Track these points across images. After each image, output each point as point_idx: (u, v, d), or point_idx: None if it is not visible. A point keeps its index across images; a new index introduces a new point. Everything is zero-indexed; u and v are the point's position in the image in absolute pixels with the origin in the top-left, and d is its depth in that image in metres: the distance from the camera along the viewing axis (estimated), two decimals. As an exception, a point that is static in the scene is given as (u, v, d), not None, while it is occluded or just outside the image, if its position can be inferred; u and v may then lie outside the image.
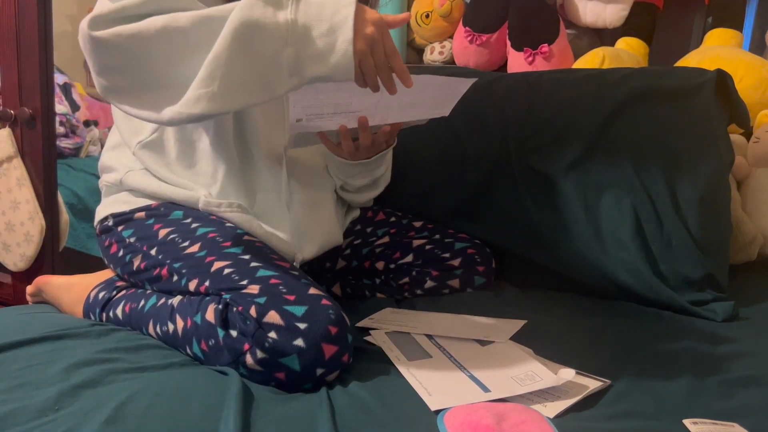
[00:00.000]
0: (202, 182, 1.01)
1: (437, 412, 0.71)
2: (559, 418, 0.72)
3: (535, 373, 0.80)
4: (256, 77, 0.75)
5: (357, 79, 0.76)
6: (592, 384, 0.78)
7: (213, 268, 0.87)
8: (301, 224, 1.05)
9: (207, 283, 0.86)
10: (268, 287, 0.81)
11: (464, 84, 0.90)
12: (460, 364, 0.84)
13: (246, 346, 0.78)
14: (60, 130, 2.32)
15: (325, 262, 1.18)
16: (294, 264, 0.99)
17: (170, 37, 0.76)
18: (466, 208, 1.29)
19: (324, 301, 0.81)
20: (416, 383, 0.79)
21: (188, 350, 0.86)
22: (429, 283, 1.13)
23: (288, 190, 1.04)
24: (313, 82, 0.76)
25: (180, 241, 0.94)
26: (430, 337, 0.93)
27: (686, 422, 0.70)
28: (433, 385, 0.78)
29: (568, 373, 0.78)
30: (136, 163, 1.03)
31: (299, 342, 0.76)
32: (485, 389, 0.77)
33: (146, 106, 0.80)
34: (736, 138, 1.40)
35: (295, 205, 1.05)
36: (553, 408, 0.73)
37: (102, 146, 2.52)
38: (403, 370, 0.83)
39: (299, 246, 1.05)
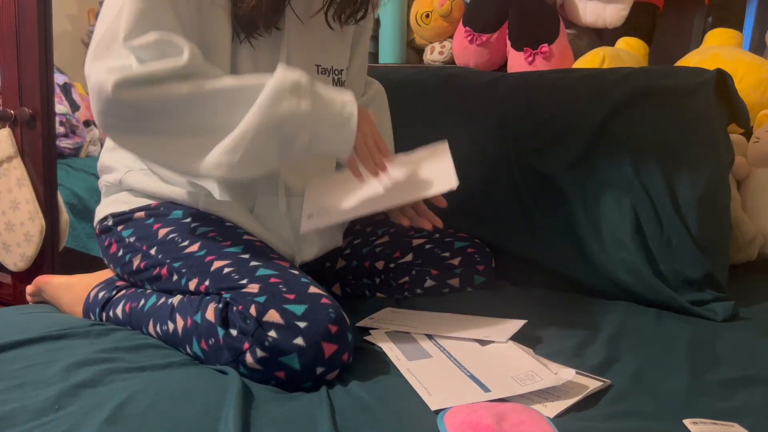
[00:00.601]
0: (202, 183, 1.01)
1: (437, 412, 0.71)
2: (559, 418, 0.72)
3: (535, 372, 0.80)
4: (274, 153, 0.85)
5: (350, 161, 0.90)
6: (592, 384, 0.78)
7: (213, 268, 0.87)
8: (299, 224, 1.05)
9: (207, 283, 0.86)
10: (268, 286, 0.81)
11: (443, 147, 0.98)
12: (460, 363, 0.84)
13: (246, 345, 0.78)
14: (60, 130, 2.32)
15: (325, 262, 1.18)
16: (294, 263, 0.99)
17: (198, 106, 0.83)
18: (466, 208, 1.29)
19: (324, 300, 0.81)
20: (416, 383, 0.79)
21: (188, 349, 0.86)
22: (429, 282, 1.13)
23: (285, 193, 1.04)
24: (315, 153, 0.88)
25: (180, 240, 0.94)
26: (430, 336, 0.93)
27: (686, 422, 0.70)
28: (433, 384, 0.78)
29: (568, 373, 0.78)
30: (135, 163, 1.03)
31: (299, 341, 0.77)
32: (485, 389, 0.77)
33: (154, 151, 0.87)
34: (736, 138, 1.40)
35: (294, 209, 1.05)
36: (553, 408, 0.73)
37: (102, 146, 2.52)
38: (403, 369, 0.83)
39: (298, 248, 1.05)
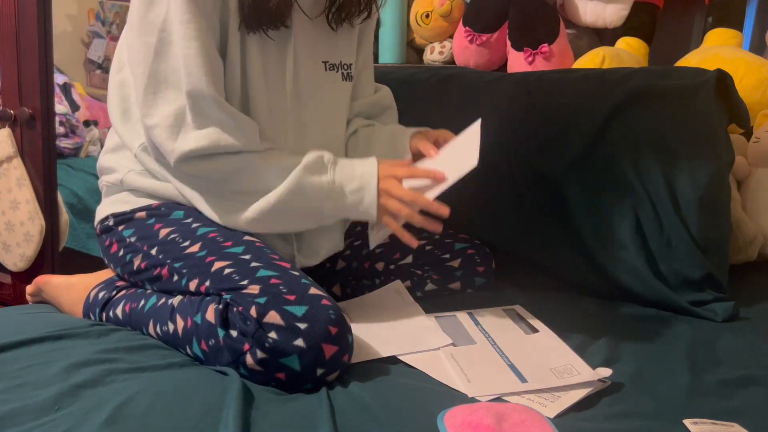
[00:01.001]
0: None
1: (439, 410, 0.71)
2: (559, 418, 0.72)
3: (573, 366, 0.81)
4: (299, 219, 0.97)
5: (383, 219, 0.95)
6: (593, 384, 0.78)
7: (213, 268, 0.87)
8: (307, 236, 1.05)
9: (207, 283, 0.86)
10: (269, 287, 0.81)
11: (475, 128, 0.97)
12: (502, 352, 0.87)
13: (246, 346, 0.78)
14: (60, 130, 2.32)
15: (325, 263, 1.18)
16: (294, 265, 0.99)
17: (246, 179, 0.94)
18: (466, 208, 1.29)
19: (324, 302, 0.81)
20: (457, 369, 0.82)
21: (188, 350, 0.86)
22: (429, 286, 1.13)
23: None
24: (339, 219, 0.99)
25: (180, 240, 0.94)
26: (475, 321, 0.98)
27: (686, 422, 0.70)
28: (473, 372, 0.81)
29: (605, 371, 0.80)
30: (136, 164, 1.03)
31: (299, 342, 0.76)
32: (523, 379, 0.79)
33: (198, 202, 0.98)
34: (736, 138, 1.40)
35: None
36: (553, 408, 0.73)
37: (102, 146, 2.52)
38: (447, 355, 0.85)
39: (301, 253, 1.05)
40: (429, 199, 0.92)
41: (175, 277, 0.91)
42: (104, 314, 1.01)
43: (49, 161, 1.76)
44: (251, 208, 0.93)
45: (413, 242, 0.94)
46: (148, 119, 0.90)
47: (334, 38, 1.06)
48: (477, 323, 0.97)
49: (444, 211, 0.92)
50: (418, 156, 1.05)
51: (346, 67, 1.09)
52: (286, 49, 0.98)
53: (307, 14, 0.99)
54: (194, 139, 0.89)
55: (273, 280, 0.83)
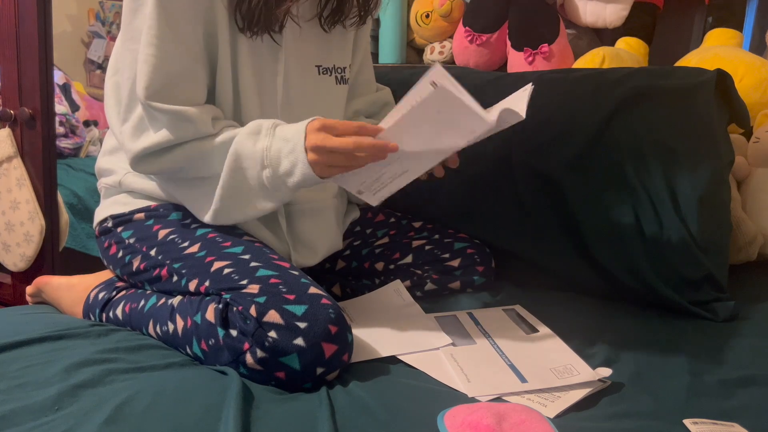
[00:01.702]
0: None
1: (439, 410, 0.71)
2: (559, 418, 0.72)
3: (573, 366, 0.82)
4: (249, 197, 0.91)
5: (327, 175, 0.86)
6: (593, 384, 0.78)
7: (213, 268, 0.87)
8: (302, 234, 1.05)
9: (207, 283, 0.86)
10: (268, 287, 0.81)
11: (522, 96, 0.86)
12: (503, 352, 0.87)
13: (246, 346, 0.78)
14: (60, 130, 2.32)
15: (325, 263, 1.18)
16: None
17: (199, 165, 0.93)
18: (465, 208, 1.29)
19: (324, 301, 0.81)
20: (457, 369, 0.82)
21: (188, 350, 0.86)
22: (429, 286, 1.13)
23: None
24: (297, 190, 0.90)
25: (180, 241, 0.94)
26: (475, 321, 0.97)
27: (686, 422, 0.70)
28: (473, 372, 0.81)
29: (605, 371, 0.80)
30: None
31: (299, 341, 0.77)
32: (523, 379, 0.80)
33: (174, 192, 1.00)
34: (736, 138, 1.40)
35: (295, 216, 1.05)
36: (553, 408, 0.73)
37: (102, 146, 2.52)
38: (447, 355, 0.85)
39: (295, 249, 1.05)
40: (369, 140, 0.81)
41: (175, 278, 0.91)
42: (104, 315, 1.01)
43: (49, 161, 1.76)
44: (214, 197, 0.92)
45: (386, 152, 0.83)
46: (125, 124, 0.93)
47: (328, 42, 1.06)
48: (477, 323, 0.97)
49: (392, 146, 0.81)
50: None
51: (340, 70, 1.08)
52: (277, 53, 0.98)
53: (299, 19, 0.99)
54: (149, 138, 0.91)
55: (272, 280, 0.83)
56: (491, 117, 0.79)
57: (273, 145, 0.88)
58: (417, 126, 0.81)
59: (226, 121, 0.95)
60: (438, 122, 0.80)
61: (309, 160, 0.85)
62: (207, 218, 0.95)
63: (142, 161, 0.93)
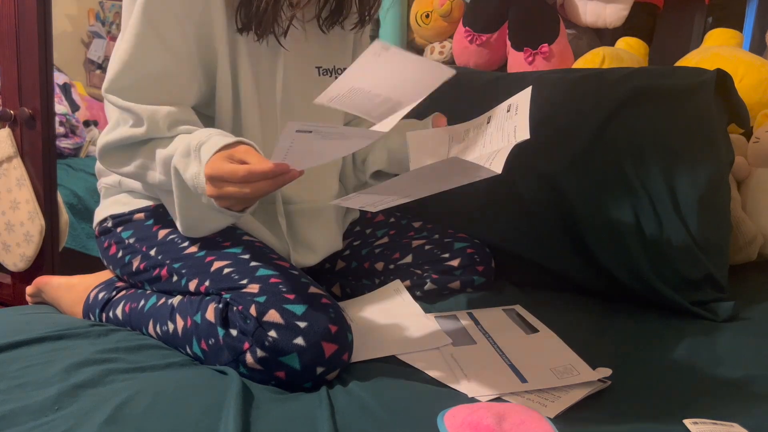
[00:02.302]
0: None
1: (439, 410, 0.71)
2: (559, 418, 0.72)
3: (573, 366, 0.82)
4: (204, 214, 0.89)
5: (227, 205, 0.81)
6: (593, 384, 0.78)
7: (213, 268, 0.87)
8: (302, 234, 1.05)
9: (207, 283, 0.86)
10: (268, 286, 0.81)
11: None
12: (503, 352, 0.87)
13: (246, 345, 0.78)
14: (60, 130, 2.32)
15: (325, 263, 1.18)
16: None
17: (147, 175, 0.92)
18: (465, 208, 1.29)
19: (324, 300, 0.81)
20: (457, 369, 0.82)
21: (188, 350, 0.86)
22: (429, 285, 1.13)
23: (281, 200, 1.03)
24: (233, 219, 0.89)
25: (179, 241, 0.94)
26: (475, 321, 0.97)
27: (686, 422, 0.70)
28: (473, 372, 0.81)
29: (605, 371, 0.80)
30: None
31: (299, 340, 0.76)
32: (523, 379, 0.80)
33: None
34: (736, 138, 1.40)
35: (295, 216, 1.05)
36: (553, 408, 0.73)
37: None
38: (447, 355, 0.85)
39: (294, 249, 1.05)
40: (262, 167, 0.74)
41: (175, 278, 0.91)
42: (104, 315, 1.01)
43: (49, 161, 1.76)
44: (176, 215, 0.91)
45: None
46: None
47: (327, 42, 1.05)
48: (477, 323, 0.97)
49: (293, 173, 0.75)
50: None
51: (340, 71, 1.08)
52: (277, 54, 0.98)
53: (298, 22, 0.99)
54: (110, 135, 0.92)
55: (272, 279, 0.83)
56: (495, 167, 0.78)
57: (200, 173, 0.81)
58: (418, 181, 0.82)
59: (186, 126, 0.91)
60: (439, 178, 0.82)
61: (208, 194, 0.80)
62: (180, 230, 0.93)
63: (104, 155, 0.94)
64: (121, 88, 0.90)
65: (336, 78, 1.07)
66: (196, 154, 0.82)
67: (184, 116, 0.92)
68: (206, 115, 0.98)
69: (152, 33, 0.88)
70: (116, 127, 0.93)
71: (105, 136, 0.93)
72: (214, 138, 0.83)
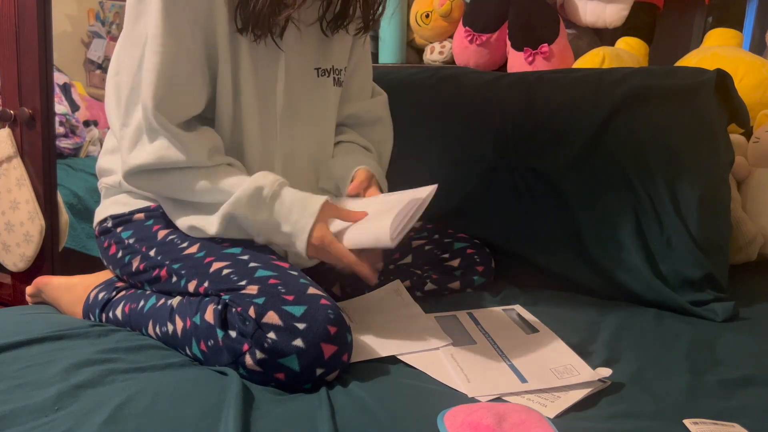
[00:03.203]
0: None
1: (439, 410, 0.71)
2: (559, 418, 0.72)
3: (573, 366, 0.82)
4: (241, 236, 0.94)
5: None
6: (593, 384, 0.78)
7: (212, 269, 0.87)
8: None
9: (206, 284, 0.86)
10: (267, 287, 0.81)
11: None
12: (503, 352, 0.87)
13: (245, 347, 0.78)
14: (60, 130, 2.32)
15: (325, 263, 1.17)
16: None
17: (188, 196, 0.94)
18: (465, 208, 1.29)
19: (323, 301, 0.81)
20: (457, 369, 0.82)
21: (188, 351, 0.86)
22: (429, 286, 1.13)
23: None
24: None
25: (179, 242, 0.94)
26: (475, 321, 0.98)
27: (686, 422, 0.70)
28: (473, 372, 0.81)
29: (605, 371, 0.80)
30: None
31: (298, 342, 0.76)
32: (523, 379, 0.80)
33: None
34: (736, 138, 1.40)
35: None
36: (553, 408, 0.73)
37: (102, 146, 2.52)
38: (447, 355, 0.85)
39: (292, 254, 1.05)
40: (355, 261, 0.91)
41: (174, 278, 0.91)
42: (104, 315, 1.01)
43: (49, 161, 1.76)
44: (197, 223, 0.93)
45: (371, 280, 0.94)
46: (124, 129, 0.92)
47: (328, 43, 1.05)
48: (477, 323, 0.97)
49: (371, 278, 0.93)
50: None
51: (337, 71, 1.08)
52: (277, 58, 0.98)
53: (300, 23, 0.99)
54: (144, 154, 0.90)
55: (271, 280, 0.82)
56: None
57: (270, 220, 0.90)
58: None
59: (224, 158, 0.94)
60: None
61: (308, 253, 0.91)
62: (183, 229, 0.96)
63: (134, 177, 0.93)
64: (161, 101, 0.88)
65: (333, 78, 1.07)
66: (272, 205, 0.90)
67: (217, 142, 0.95)
68: (205, 117, 0.98)
69: (175, 43, 0.88)
70: (141, 143, 0.91)
71: (134, 158, 0.91)
72: (288, 196, 0.91)
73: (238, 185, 0.90)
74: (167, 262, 0.92)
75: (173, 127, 0.89)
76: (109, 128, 1.07)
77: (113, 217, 1.03)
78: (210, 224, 0.92)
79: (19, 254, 1.78)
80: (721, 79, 1.18)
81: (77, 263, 1.89)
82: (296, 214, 0.90)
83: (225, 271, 0.86)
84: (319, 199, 0.91)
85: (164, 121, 0.88)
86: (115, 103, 0.98)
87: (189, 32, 0.89)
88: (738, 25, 1.57)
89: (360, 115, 1.17)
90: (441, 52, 1.86)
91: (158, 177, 0.92)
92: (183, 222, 0.94)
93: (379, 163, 1.14)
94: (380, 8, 1.07)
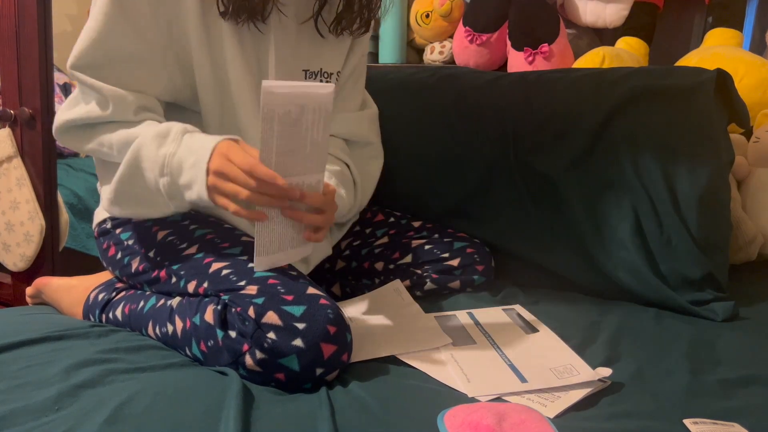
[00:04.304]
0: None
1: (439, 410, 0.71)
2: (559, 418, 0.72)
3: (573, 366, 0.82)
4: (144, 197, 0.91)
5: (219, 202, 0.83)
6: (592, 384, 0.78)
7: (211, 269, 0.87)
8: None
9: (205, 285, 0.86)
10: (267, 287, 0.81)
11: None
12: (502, 351, 0.87)
13: (245, 347, 0.78)
14: (60, 130, 2.32)
15: (324, 263, 1.18)
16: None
17: (107, 153, 0.93)
18: (465, 207, 1.29)
19: (322, 301, 0.81)
20: (457, 369, 0.82)
21: (188, 351, 0.86)
22: (429, 285, 1.13)
23: None
24: (193, 205, 0.90)
25: (178, 242, 0.94)
26: (475, 321, 0.98)
27: (686, 422, 0.70)
28: (473, 372, 0.81)
29: (605, 371, 0.80)
30: None
31: (298, 342, 0.76)
32: (523, 379, 0.80)
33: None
34: (736, 138, 1.40)
35: None
36: (553, 408, 0.73)
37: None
38: (447, 355, 0.85)
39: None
40: (264, 172, 0.78)
41: (173, 279, 0.91)
42: (104, 315, 1.01)
43: (49, 161, 1.76)
44: (112, 186, 0.92)
45: (262, 217, 0.81)
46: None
47: (319, 45, 1.05)
48: (477, 323, 0.97)
49: (279, 181, 0.78)
50: None
51: (326, 75, 1.08)
52: (267, 55, 0.98)
53: (293, 20, 0.98)
54: (72, 111, 0.92)
55: (271, 281, 0.82)
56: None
57: (177, 153, 0.85)
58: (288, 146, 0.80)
59: (152, 114, 0.93)
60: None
61: (208, 183, 0.82)
62: (104, 204, 0.96)
63: (62, 133, 0.94)
64: (87, 65, 0.90)
65: (320, 81, 1.06)
66: (179, 138, 0.86)
67: (151, 104, 0.94)
68: (194, 111, 0.98)
69: (122, 15, 0.88)
70: (76, 104, 0.93)
71: (64, 113, 0.93)
72: (199, 134, 0.87)
73: (144, 131, 0.89)
74: (166, 263, 0.92)
75: (94, 81, 0.89)
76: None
77: (112, 219, 1.03)
78: (118, 173, 0.90)
79: (19, 254, 1.78)
80: (721, 79, 1.18)
81: (77, 263, 1.89)
82: (200, 142, 0.85)
83: (224, 272, 0.86)
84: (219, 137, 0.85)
85: (83, 77, 0.89)
86: None
87: (144, 11, 0.89)
88: (738, 25, 1.57)
89: (346, 134, 1.16)
90: (441, 52, 1.86)
91: (83, 131, 0.93)
92: (105, 190, 0.95)
93: (359, 189, 1.13)
94: (377, 6, 1.06)
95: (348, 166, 1.12)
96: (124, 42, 0.89)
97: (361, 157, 1.18)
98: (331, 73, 1.08)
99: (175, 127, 0.87)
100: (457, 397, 0.76)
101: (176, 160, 0.85)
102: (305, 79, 1.05)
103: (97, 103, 0.91)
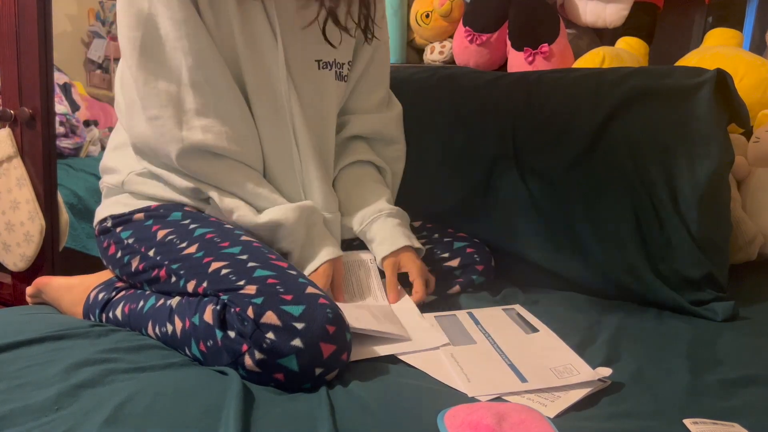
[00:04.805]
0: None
1: (439, 410, 0.71)
2: (559, 418, 0.72)
3: (573, 366, 0.82)
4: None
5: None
6: (592, 384, 0.78)
7: (211, 269, 0.87)
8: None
9: (205, 284, 0.86)
10: (266, 287, 0.81)
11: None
12: (502, 351, 0.88)
13: (244, 347, 0.78)
14: (60, 130, 2.32)
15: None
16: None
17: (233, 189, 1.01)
18: (465, 207, 1.29)
19: (322, 300, 0.81)
20: (457, 368, 0.82)
21: (187, 351, 0.86)
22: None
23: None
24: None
25: (178, 242, 0.94)
26: (475, 321, 0.98)
27: (686, 422, 0.70)
28: (473, 371, 0.81)
29: (605, 371, 0.80)
30: (138, 163, 1.03)
31: (297, 342, 0.76)
32: (523, 379, 0.80)
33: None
34: (736, 138, 1.40)
35: None
36: (553, 408, 0.73)
37: (102, 146, 2.52)
38: (447, 355, 0.85)
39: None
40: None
41: (173, 279, 0.91)
42: (104, 315, 1.01)
43: (49, 161, 1.76)
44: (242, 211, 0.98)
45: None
46: (147, 111, 0.95)
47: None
48: (477, 323, 0.97)
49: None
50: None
51: (339, 65, 1.09)
52: (275, 46, 0.99)
53: (301, 21, 1.00)
54: (200, 131, 0.95)
55: (270, 280, 0.82)
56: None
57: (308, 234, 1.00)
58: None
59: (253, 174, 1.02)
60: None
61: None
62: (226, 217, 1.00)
63: (189, 155, 0.96)
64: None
65: (335, 72, 1.07)
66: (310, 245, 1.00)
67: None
68: None
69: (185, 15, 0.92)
70: (191, 122, 0.95)
71: (190, 133, 0.95)
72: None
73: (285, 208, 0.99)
74: (166, 263, 0.92)
75: (221, 120, 0.97)
76: (110, 127, 1.08)
77: (113, 217, 1.03)
78: (255, 217, 0.99)
79: (19, 254, 1.78)
80: (721, 79, 1.18)
81: (77, 263, 1.88)
82: (322, 256, 1.00)
83: (223, 271, 0.86)
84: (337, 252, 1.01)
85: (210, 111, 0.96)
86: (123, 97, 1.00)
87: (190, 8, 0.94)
88: (738, 25, 1.57)
89: (369, 134, 1.18)
90: (441, 52, 1.86)
91: (212, 163, 0.97)
92: (228, 203, 0.99)
93: (390, 186, 1.18)
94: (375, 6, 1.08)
95: (373, 164, 1.18)
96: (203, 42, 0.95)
97: (387, 158, 1.19)
98: (344, 63, 1.10)
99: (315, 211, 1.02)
100: (457, 397, 0.76)
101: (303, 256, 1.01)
102: (318, 69, 1.06)
103: (222, 130, 0.97)
